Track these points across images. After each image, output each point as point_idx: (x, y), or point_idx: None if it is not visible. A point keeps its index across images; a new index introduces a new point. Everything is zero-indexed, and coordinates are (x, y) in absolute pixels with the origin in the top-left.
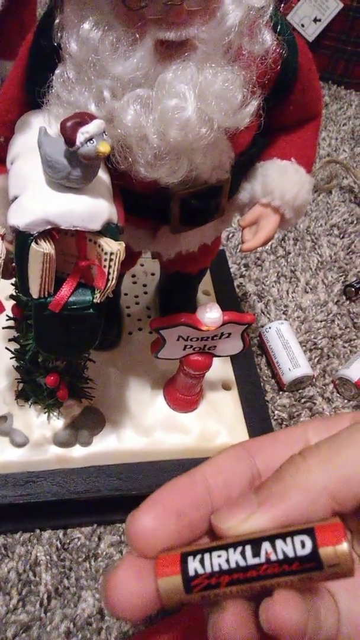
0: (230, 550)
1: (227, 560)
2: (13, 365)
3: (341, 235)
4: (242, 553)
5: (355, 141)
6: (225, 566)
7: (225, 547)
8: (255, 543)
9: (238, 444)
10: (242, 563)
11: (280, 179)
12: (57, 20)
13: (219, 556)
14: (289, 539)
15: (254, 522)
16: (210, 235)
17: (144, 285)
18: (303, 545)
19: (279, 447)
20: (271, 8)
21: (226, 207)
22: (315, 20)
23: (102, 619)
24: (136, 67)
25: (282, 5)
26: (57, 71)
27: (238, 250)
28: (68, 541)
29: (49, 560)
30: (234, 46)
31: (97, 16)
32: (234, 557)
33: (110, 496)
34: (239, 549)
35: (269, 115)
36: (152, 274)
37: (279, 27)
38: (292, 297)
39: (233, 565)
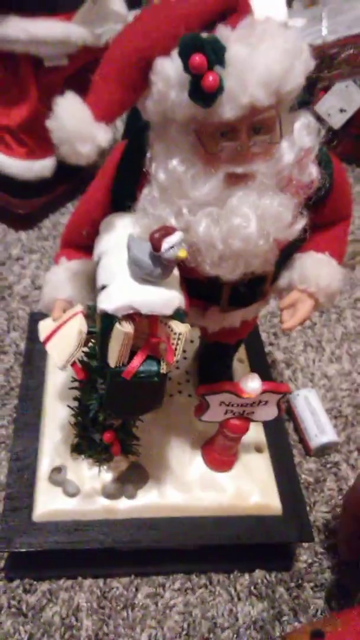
0: None
1: None
2: (69, 422)
3: None
4: None
5: None
6: None
7: None
8: None
9: None
10: None
11: (316, 269)
12: (148, 155)
13: None
14: None
15: None
16: (252, 314)
17: (184, 351)
18: None
19: None
20: (317, 148)
21: (269, 291)
22: (341, 110)
23: None
24: (209, 192)
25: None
26: (144, 191)
27: (268, 319)
28: (107, 590)
29: (90, 607)
30: (287, 177)
31: (182, 155)
32: None
33: (150, 547)
34: None
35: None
36: (192, 341)
37: (322, 160)
38: (318, 365)
39: None
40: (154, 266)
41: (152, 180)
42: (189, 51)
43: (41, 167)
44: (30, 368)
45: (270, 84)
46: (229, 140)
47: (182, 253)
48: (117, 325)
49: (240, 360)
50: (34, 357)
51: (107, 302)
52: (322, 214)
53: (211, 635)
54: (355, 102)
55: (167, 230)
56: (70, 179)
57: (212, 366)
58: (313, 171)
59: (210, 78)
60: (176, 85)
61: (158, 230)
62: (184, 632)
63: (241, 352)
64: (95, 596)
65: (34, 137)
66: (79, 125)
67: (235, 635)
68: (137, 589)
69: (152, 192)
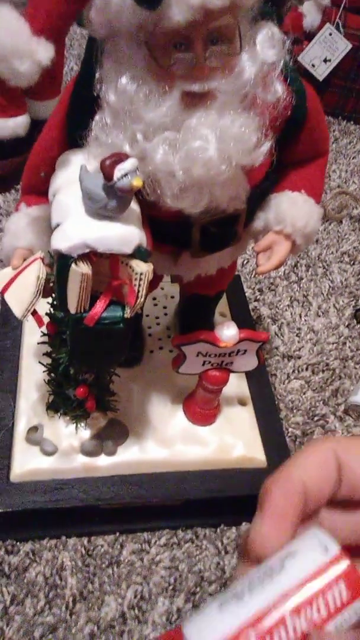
0: None
1: None
2: (44, 379)
3: (352, 262)
4: None
5: None
6: None
7: None
8: None
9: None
10: None
11: (291, 208)
12: (97, 75)
13: None
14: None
15: None
16: (227, 260)
17: (164, 307)
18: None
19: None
20: (282, 62)
21: (242, 234)
22: (325, 60)
23: (124, 622)
24: (165, 114)
25: (294, 47)
26: (96, 117)
27: (253, 275)
28: (92, 548)
29: (74, 565)
30: (250, 95)
31: (133, 72)
32: None
33: (133, 504)
34: None
35: (280, 153)
36: (172, 297)
37: (289, 77)
38: (305, 320)
39: None
40: (108, 198)
41: (103, 105)
42: None
43: (14, 125)
44: (5, 329)
45: None
46: (183, 52)
47: (137, 181)
48: (72, 265)
49: (222, 314)
50: (10, 317)
51: (61, 241)
52: (297, 148)
53: (198, 589)
54: (339, 51)
55: (119, 157)
56: None
57: (192, 320)
58: (278, 88)
59: None
60: None
61: (109, 157)
62: (171, 587)
63: (223, 306)
64: (80, 554)
65: (5, 94)
66: (16, 40)
67: (221, 588)
68: (122, 546)
69: (104, 118)
